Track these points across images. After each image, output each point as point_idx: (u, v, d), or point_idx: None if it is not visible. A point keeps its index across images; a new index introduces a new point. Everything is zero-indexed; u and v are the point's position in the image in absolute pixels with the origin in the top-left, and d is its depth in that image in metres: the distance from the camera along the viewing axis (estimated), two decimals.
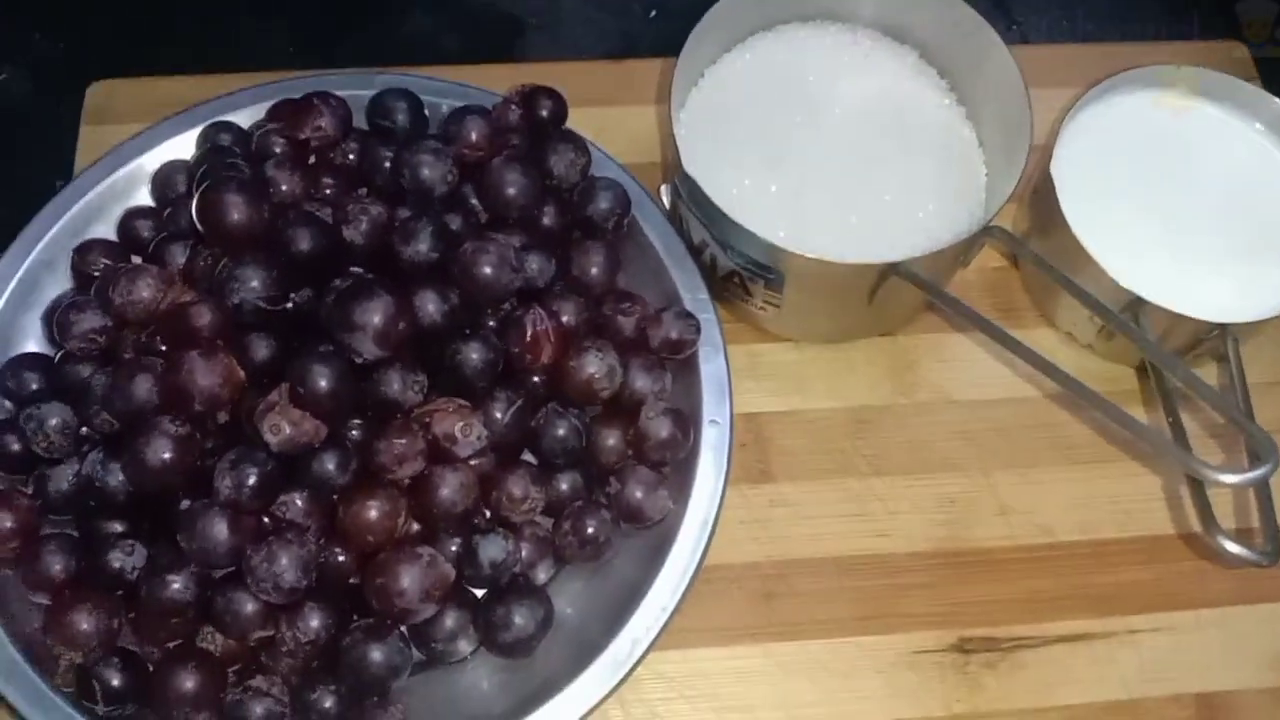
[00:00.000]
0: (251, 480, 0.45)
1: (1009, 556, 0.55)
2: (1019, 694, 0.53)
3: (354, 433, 0.48)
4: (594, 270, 0.54)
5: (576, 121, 0.61)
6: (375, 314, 0.46)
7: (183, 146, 0.57)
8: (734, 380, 0.55)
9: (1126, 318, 0.54)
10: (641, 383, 0.52)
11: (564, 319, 0.52)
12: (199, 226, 0.48)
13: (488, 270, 0.49)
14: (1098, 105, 0.59)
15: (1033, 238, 0.59)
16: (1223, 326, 0.53)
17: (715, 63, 0.60)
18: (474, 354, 0.49)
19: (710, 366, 0.54)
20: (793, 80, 0.59)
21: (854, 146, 0.57)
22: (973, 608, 0.54)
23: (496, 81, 0.64)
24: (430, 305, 0.49)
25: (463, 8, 0.71)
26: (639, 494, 0.51)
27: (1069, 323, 0.60)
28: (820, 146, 0.57)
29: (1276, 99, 0.58)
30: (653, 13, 0.71)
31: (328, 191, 0.55)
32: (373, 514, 0.46)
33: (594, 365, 0.50)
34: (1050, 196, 0.55)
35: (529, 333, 0.50)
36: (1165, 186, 0.58)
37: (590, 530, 0.50)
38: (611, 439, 0.52)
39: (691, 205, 0.54)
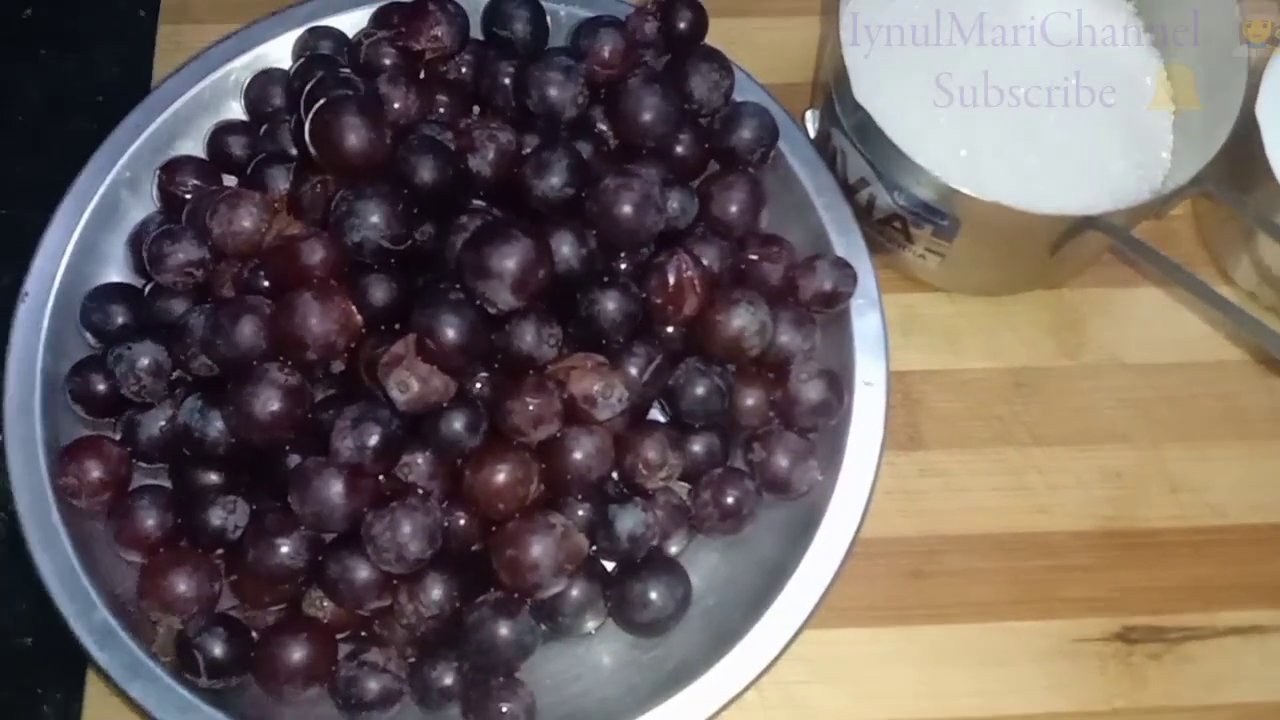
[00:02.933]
0: (374, 441, 0.40)
1: (1178, 539, 0.50)
2: (1185, 690, 0.48)
3: (479, 386, 0.43)
4: (735, 209, 0.49)
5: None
6: (513, 260, 0.40)
7: (276, 53, 0.52)
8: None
9: None
10: (789, 338, 0.47)
11: (707, 264, 0.46)
12: (312, 150, 0.43)
13: (629, 210, 0.44)
14: None
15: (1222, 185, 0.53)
16: None
17: None
18: (611, 304, 0.44)
19: (864, 321, 0.48)
20: None
21: (1031, 75, 0.51)
22: (1138, 594, 0.49)
23: None
24: (566, 249, 0.43)
25: None
26: (785, 463, 0.46)
27: (1253, 282, 0.54)
28: (995, 74, 0.50)
29: None
30: None
31: (441, 111, 0.49)
32: (502, 479, 0.41)
33: (743, 319, 0.45)
34: (1253, 141, 0.49)
35: (672, 281, 0.44)
36: None
37: (731, 501, 0.45)
38: (752, 399, 0.47)
39: (855, 138, 0.48)
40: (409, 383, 0.40)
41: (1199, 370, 0.53)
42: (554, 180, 0.44)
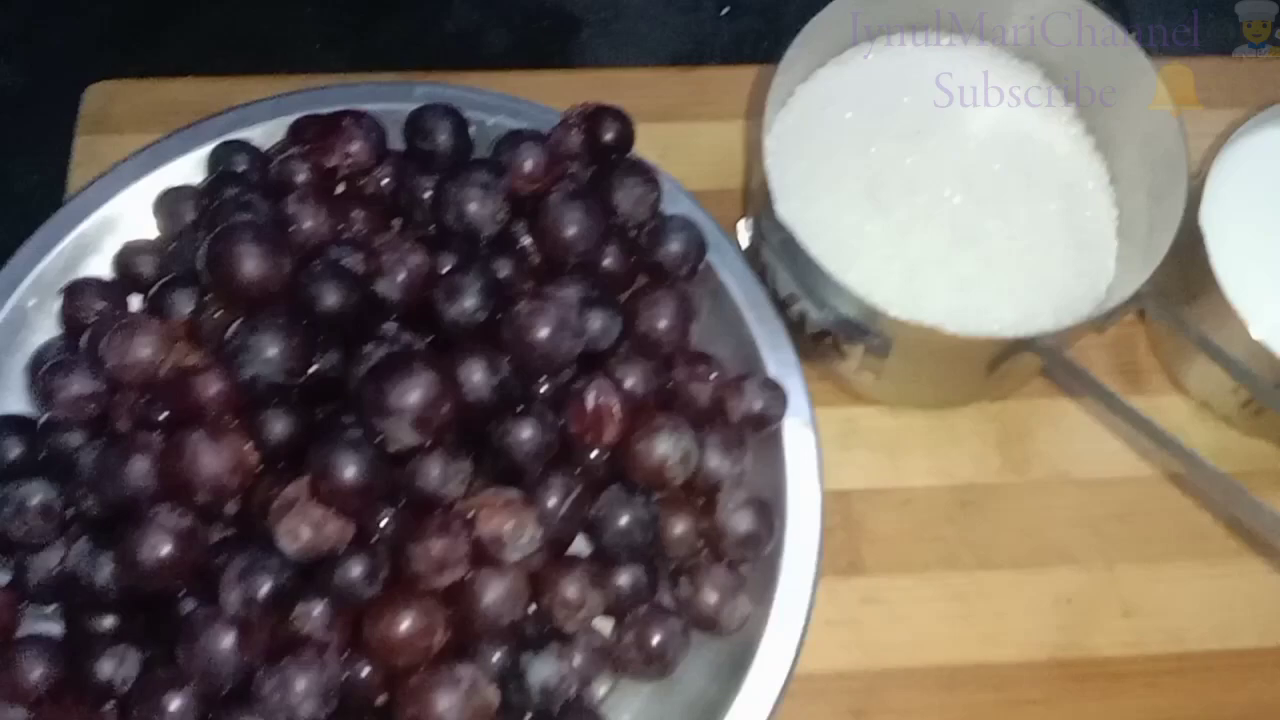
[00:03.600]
0: (264, 592, 0.38)
1: (1134, 668, 0.48)
2: None
3: (383, 523, 0.41)
4: (662, 325, 0.47)
5: (639, 140, 0.54)
6: (414, 395, 0.38)
7: (189, 167, 0.50)
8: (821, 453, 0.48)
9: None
10: (718, 463, 0.45)
11: (630, 386, 0.44)
12: (208, 278, 0.41)
13: (545, 335, 0.42)
14: (1255, 138, 0.51)
15: (1168, 293, 0.51)
16: None
17: (808, 79, 0.52)
18: (525, 434, 0.42)
19: (797, 442, 0.46)
20: (898, 101, 0.51)
21: (969, 183, 0.49)
22: None
23: (548, 91, 0.56)
24: (477, 377, 0.41)
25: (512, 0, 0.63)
26: (714, 599, 0.43)
27: (1205, 392, 0.52)
28: (930, 182, 0.49)
29: None
30: (725, 9, 0.63)
31: (357, 227, 0.47)
32: (404, 630, 0.39)
33: (666, 447, 0.42)
34: (1197, 249, 0.47)
35: (590, 408, 0.42)
36: None
37: (656, 643, 0.43)
38: (680, 528, 0.44)
39: (782, 254, 0.46)
40: (299, 531, 0.37)
41: (1151, 485, 0.51)
42: (466, 304, 0.42)
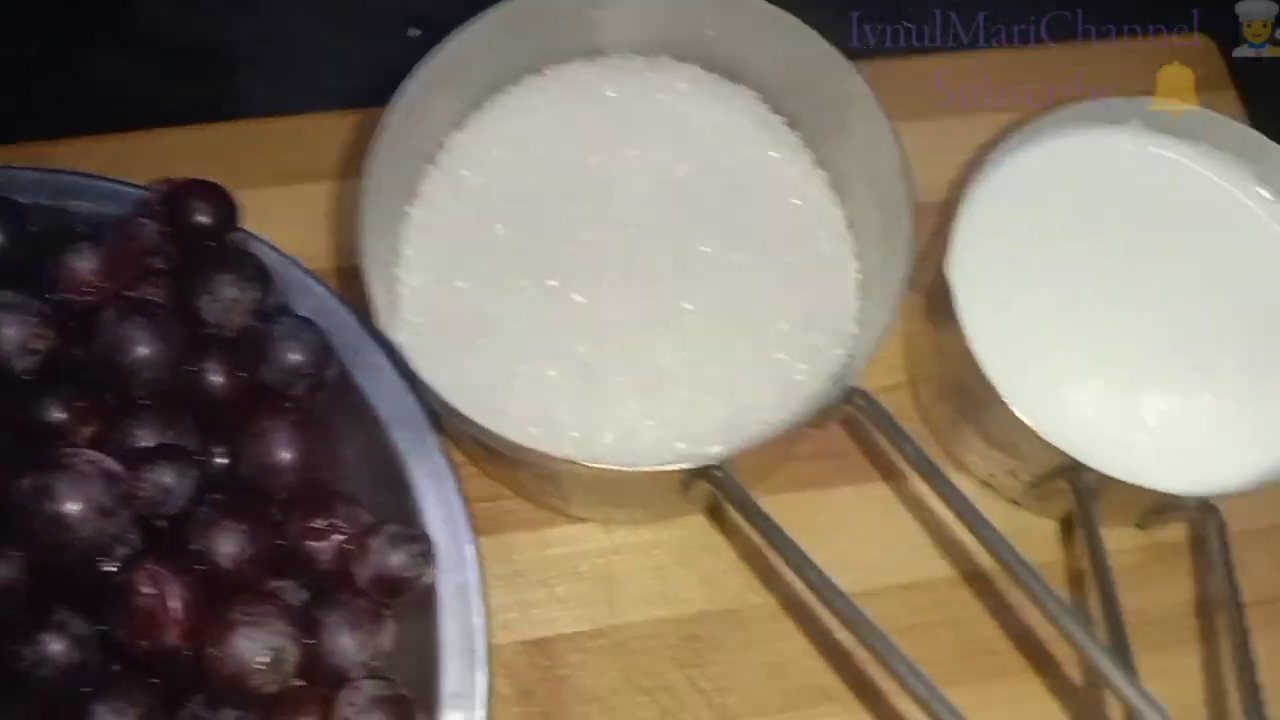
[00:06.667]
0: None
1: None
2: None
3: None
4: (276, 462, 0.36)
5: (297, 202, 0.45)
6: None
7: None
8: (515, 589, 0.39)
9: (1060, 482, 0.37)
10: (343, 645, 0.34)
11: (222, 557, 0.34)
12: None
13: (63, 519, 0.31)
14: (1016, 159, 0.41)
15: (925, 357, 0.42)
16: (1201, 500, 0.37)
17: (461, 126, 0.41)
18: (49, 653, 0.31)
19: (455, 605, 0.36)
20: (574, 144, 0.40)
21: (661, 244, 0.39)
22: None
23: (177, 154, 0.46)
24: None
25: (155, 41, 0.51)
26: None
27: (985, 471, 0.42)
28: (616, 252, 0.39)
29: None
30: (414, 31, 0.52)
31: None
32: None
33: (247, 648, 0.32)
34: (946, 306, 0.38)
35: (142, 606, 0.32)
36: (1123, 279, 0.40)
37: None
38: None
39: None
40: None
41: (923, 592, 0.41)
42: None
